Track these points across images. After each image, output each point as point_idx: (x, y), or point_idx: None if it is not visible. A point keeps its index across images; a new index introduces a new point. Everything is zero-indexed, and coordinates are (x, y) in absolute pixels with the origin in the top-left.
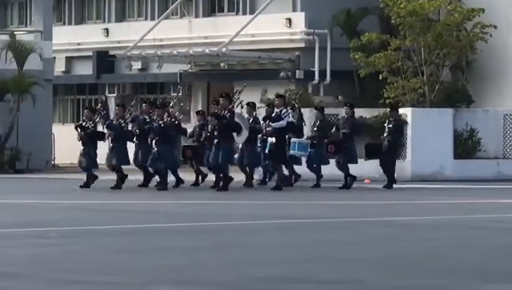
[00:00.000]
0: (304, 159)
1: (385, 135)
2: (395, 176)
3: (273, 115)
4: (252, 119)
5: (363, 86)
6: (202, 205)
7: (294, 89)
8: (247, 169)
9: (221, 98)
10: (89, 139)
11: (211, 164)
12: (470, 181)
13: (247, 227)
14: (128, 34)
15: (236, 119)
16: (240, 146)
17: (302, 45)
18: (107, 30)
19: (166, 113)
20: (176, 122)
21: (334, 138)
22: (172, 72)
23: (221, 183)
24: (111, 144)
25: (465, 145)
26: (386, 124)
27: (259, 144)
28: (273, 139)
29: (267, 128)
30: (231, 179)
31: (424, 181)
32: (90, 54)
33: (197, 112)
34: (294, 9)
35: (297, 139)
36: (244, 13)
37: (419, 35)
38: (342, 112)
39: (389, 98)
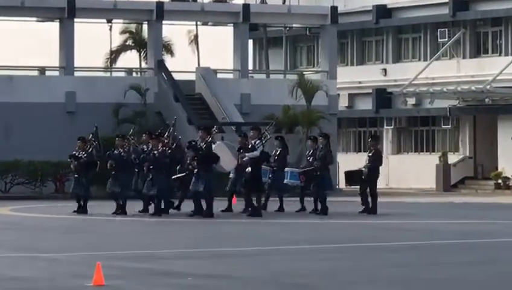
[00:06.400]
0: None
1: (366, 163)
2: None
3: (249, 146)
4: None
5: None
6: (465, 225)
7: None
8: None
9: (200, 131)
10: (82, 168)
11: (191, 191)
12: None
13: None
14: (403, 73)
15: (227, 149)
16: (231, 175)
17: None
18: (385, 70)
19: (160, 143)
20: (169, 151)
21: (306, 168)
22: (442, 107)
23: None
24: (113, 172)
25: None
26: (367, 153)
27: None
28: (249, 169)
29: (243, 159)
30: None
31: None
32: (370, 91)
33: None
34: None
35: (290, 169)
36: (506, 54)
37: None
38: None
39: None
